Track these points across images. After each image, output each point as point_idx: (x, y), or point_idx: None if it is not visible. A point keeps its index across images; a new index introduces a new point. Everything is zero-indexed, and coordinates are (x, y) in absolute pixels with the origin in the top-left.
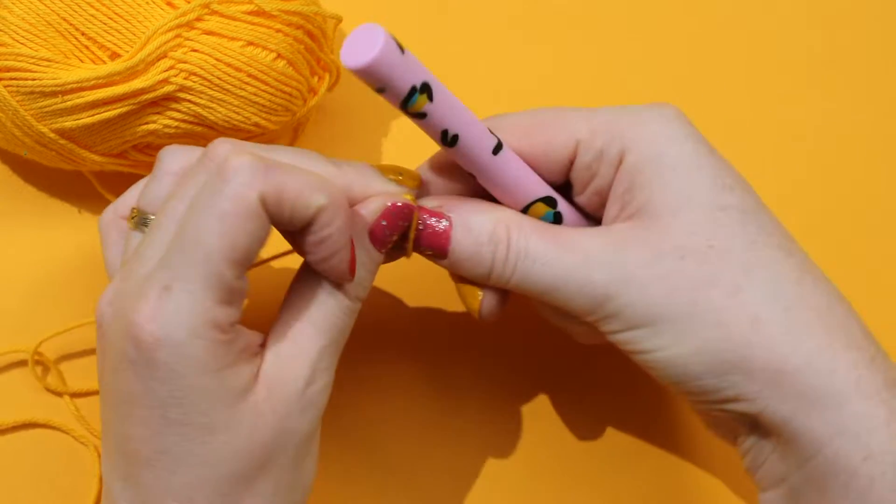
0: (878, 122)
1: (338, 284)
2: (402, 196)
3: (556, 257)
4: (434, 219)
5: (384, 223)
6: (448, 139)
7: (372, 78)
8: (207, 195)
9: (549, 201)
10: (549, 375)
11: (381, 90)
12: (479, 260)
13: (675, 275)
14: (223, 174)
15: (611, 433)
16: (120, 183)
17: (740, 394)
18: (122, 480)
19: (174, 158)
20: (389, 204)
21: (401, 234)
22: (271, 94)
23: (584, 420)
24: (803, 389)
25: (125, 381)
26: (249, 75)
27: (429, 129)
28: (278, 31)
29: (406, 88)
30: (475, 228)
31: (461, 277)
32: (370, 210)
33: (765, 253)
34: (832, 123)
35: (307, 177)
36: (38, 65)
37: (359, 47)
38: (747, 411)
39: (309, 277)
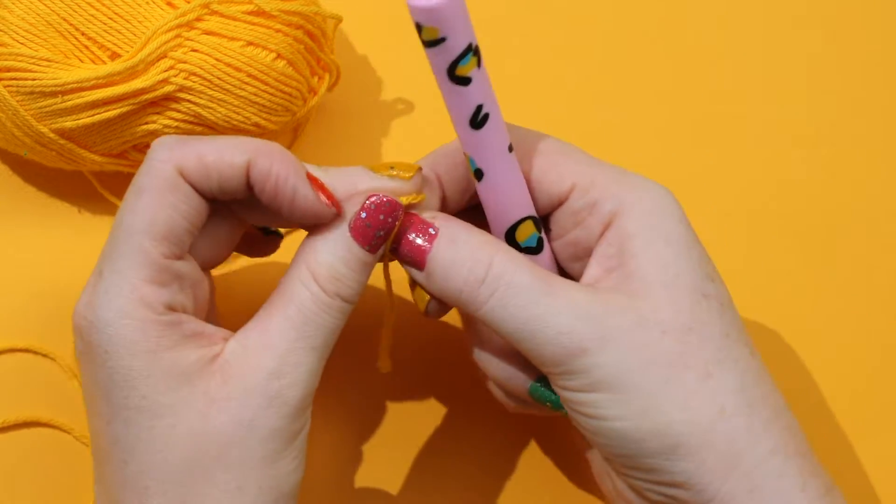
0: (878, 123)
1: (313, 277)
2: (391, 194)
3: (540, 296)
4: (420, 226)
5: (363, 215)
6: (479, 119)
7: (437, 22)
8: (135, 178)
9: (538, 223)
10: None
11: (435, 42)
12: (455, 273)
13: (654, 348)
14: (146, 157)
15: None
16: (120, 183)
17: (689, 481)
18: (97, 483)
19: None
20: (371, 199)
21: (388, 233)
22: (271, 94)
23: None
24: (752, 488)
25: (82, 376)
26: (249, 75)
27: (463, 103)
28: (278, 31)
29: (464, 44)
30: (460, 241)
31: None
32: (351, 203)
33: (735, 348)
34: (832, 122)
35: (227, 141)
36: (38, 65)
37: None
38: (689, 500)
39: (289, 273)
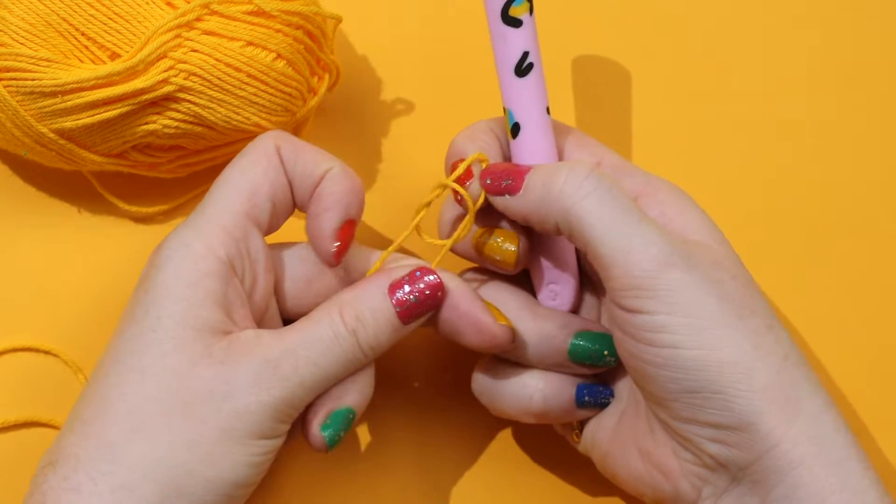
0: (877, 123)
1: (338, 308)
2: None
3: (634, 206)
4: (506, 170)
5: (405, 278)
6: (524, 66)
7: None
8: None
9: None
10: None
11: None
12: (558, 168)
13: (727, 287)
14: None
15: None
16: (120, 183)
17: (756, 422)
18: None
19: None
20: (417, 271)
21: (426, 311)
22: (271, 95)
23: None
24: (815, 435)
25: (130, 299)
26: (249, 75)
27: (512, 47)
28: (278, 31)
29: None
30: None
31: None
32: (398, 266)
33: (774, 312)
34: (832, 124)
35: (324, 152)
36: (37, 65)
37: None
38: (746, 447)
39: (323, 306)
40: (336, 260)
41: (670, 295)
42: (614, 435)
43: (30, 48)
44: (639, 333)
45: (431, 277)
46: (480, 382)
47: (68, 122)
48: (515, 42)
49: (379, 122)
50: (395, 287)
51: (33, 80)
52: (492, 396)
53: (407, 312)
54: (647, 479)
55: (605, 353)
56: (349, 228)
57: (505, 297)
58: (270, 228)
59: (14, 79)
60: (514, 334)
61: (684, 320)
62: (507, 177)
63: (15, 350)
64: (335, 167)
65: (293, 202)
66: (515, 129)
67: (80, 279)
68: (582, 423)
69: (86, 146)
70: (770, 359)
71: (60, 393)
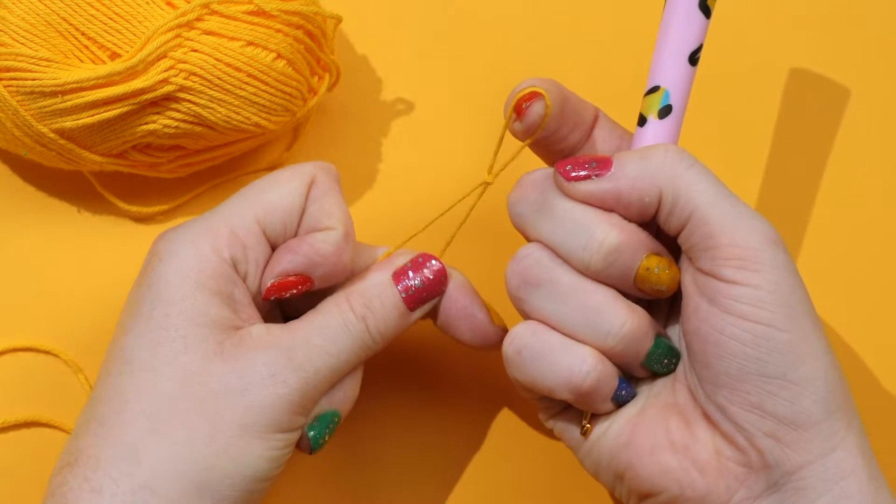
0: (879, 122)
1: (346, 298)
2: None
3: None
4: (586, 161)
5: (415, 283)
6: (696, 57)
7: None
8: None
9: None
10: None
11: None
12: (658, 149)
13: (799, 289)
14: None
15: None
16: (120, 183)
17: (816, 414)
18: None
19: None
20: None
21: (431, 297)
22: (271, 95)
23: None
24: (859, 434)
25: (129, 293)
26: (249, 75)
27: (696, 34)
28: (278, 31)
29: None
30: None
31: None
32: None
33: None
34: (832, 123)
35: (345, 210)
36: (37, 65)
37: None
38: (802, 443)
39: (329, 299)
40: (264, 295)
41: (775, 272)
42: (636, 427)
43: (30, 48)
44: (734, 306)
45: (434, 263)
46: (526, 340)
47: (68, 122)
48: (700, 30)
49: (379, 122)
50: (399, 274)
51: (33, 79)
52: (536, 358)
53: (412, 298)
54: (679, 475)
55: (673, 363)
56: (295, 285)
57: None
58: (274, 246)
59: (14, 79)
60: (505, 335)
61: (784, 301)
62: (591, 160)
63: (15, 350)
64: (338, 230)
65: (295, 232)
66: (666, 111)
67: (80, 279)
68: (593, 416)
69: (86, 146)
70: (828, 357)
71: (60, 393)
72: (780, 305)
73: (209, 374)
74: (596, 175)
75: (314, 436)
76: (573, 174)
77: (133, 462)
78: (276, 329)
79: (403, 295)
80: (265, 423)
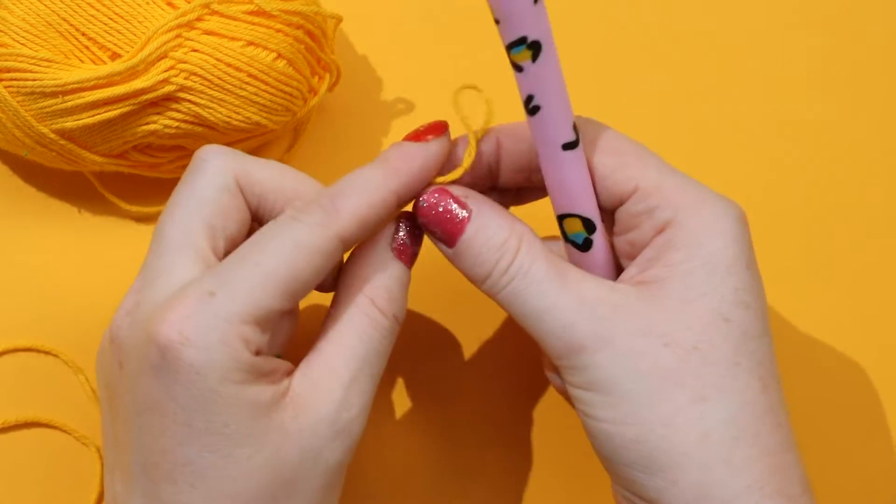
0: (879, 122)
1: (371, 302)
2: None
3: (550, 289)
4: (456, 205)
5: (402, 234)
6: (530, 107)
7: (492, 5)
8: (285, 226)
9: (588, 225)
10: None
11: (495, 21)
12: (483, 261)
13: (653, 358)
14: (306, 214)
15: None
16: (120, 183)
17: (659, 499)
18: (143, 497)
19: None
20: (403, 220)
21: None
22: (271, 94)
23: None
24: None
25: (146, 389)
26: (250, 75)
27: (519, 86)
28: (278, 31)
29: (515, 35)
30: (490, 229)
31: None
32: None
33: (743, 378)
34: (832, 123)
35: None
36: (38, 65)
37: None
38: None
39: (341, 302)
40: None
41: (585, 374)
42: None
43: (30, 48)
44: (570, 396)
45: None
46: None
47: (69, 123)
48: (519, 83)
49: (379, 122)
50: (400, 251)
51: (34, 80)
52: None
53: (412, 258)
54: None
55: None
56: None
57: None
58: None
59: (15, 79)
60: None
61: (599, 397)
62: (442, 232)
63: (15, 350)
64: (314, 182)
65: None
66: (533, 109)
67: (80, 279)
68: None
69: (86, 146)
70: (682, 437)
71: (60, 393)
72: (601, 401)
73: (287, 462)
74: (443, 244)
75: None
76: (431, 224)
77: None
78: (316, 374)
79: (408, 266)
80: (341, 473)
